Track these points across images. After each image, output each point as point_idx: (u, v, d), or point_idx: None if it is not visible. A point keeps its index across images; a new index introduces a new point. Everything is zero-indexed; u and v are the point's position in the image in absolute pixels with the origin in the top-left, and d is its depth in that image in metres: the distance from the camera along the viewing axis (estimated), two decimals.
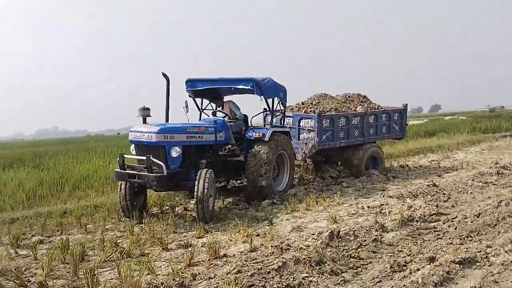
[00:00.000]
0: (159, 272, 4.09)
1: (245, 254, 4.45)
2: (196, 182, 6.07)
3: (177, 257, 4.58)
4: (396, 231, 5.24)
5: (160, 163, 6.17)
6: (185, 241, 5.08)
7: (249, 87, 7.65)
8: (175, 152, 6.36)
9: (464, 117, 39.85)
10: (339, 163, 10.15)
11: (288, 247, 4.58)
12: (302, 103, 10.56)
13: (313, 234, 5.08)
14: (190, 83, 8.06)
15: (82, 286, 3.76)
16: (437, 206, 6.46)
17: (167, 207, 7.35)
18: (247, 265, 4.06)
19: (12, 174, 10.95)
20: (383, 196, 6.95)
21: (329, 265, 4.17)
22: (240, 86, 7.73)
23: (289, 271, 3.98)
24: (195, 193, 5.99)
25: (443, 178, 9.08)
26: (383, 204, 6.40)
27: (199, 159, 6.86)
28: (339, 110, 10.00)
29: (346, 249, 4.61)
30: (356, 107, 10.44)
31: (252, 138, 7.62)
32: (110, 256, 4.60)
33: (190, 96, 8.24)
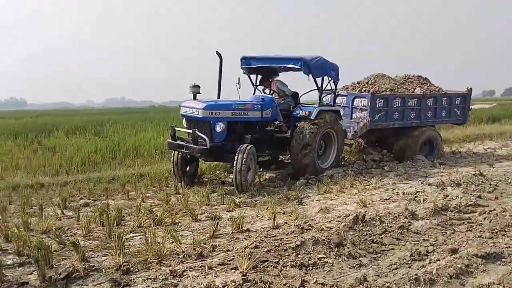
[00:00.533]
0: (183, 241, 4.33)
1: (266, 231, 4.57)
2: (236, 155, 6.57)
3: (204, 228, 4.80)
4: (426, 219, 5.10)
5: (204, 136, 6.69)
6: (215, 214, 5.29)
7: (298, 66, 7.80)
8: (219, 127, 6.85)
9: None
10: (392, 145, 9.97)
11: (310, 227, 4.65)
12: (358, 83, 10.48)
13: (339, 217, 5.09)
14: (245, 60, 8.37)
15: (112, 248, 4.09)
16: (479, 196, 6.17)
17: (211, 176, 7.94)
18: (265, 241, 4.19)
19: (73, 141, 11.85)
20: (422, 183, 6.73)
21: (348, 248, 4.18)
22: (290, 65, 7.98)
23: (306, 251, 4.04)
24: (234, 165, 6.51)
25: (493, 167, 8.60)
26: (419, 191, 6.20)
27: (244, 134, 7.27)
28: (396, 90, 9.79)
29: (369, 233, 4.58)
30: (415, 89, 10.11)
31: (299, 115, 7.91)
32: (144, 223, 4.93)
33: (244, 73, 8.56)
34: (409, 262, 3.91)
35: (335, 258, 3.98)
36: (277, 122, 7.84)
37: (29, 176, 7.76)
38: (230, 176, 7.71)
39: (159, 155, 9.33)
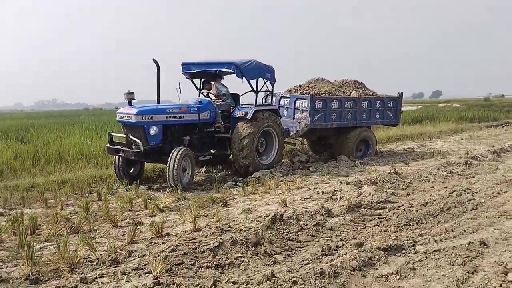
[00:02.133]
0: (100, 248, 4.26)
1: (186, 234, 4.62)
2: (169, 158, 6.91)
3: (123, 235, 4.75)
4: (341, 216, 5.41)
5: (137, 140, 7.10)
6: (136, 220, 5.25)
7: (231, 70, 8.22)
8: (153, 131, 7.18)
9: (458, 105, 39.93)
10: (332, 144, 10.70)
11: (229, 228, 4.76)
12: (300, 86, 11.08)
13: (260, 217, 5.27)
14: (185, 66, 8.77)
15: (23, 258, 3.93)
16: (393, 193, 6.66)
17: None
18: (183, 244, 4.24)
19: None
20: (341, 182, 7.11)
21: (265, 246, 4.35)
22: (224, 69, 8.36)
23: (224, 251, 4.15)
24: (167, 168, 6.91)
25: (409, 166, 9.25)
26: (336, 190, 6.56)
27: (182, 136, 7.66)
28: (333, 93, 10.42)
29: (286, 232, 4.79)
30: (351, 92, 10.76)
31: (237, 116, 8.30)
32: (60, 231, 4.78)
33: (187, 78, 8.98)
34: (320, 257, 4.14)
35: (251, 257, 4.12)
36: (217, 124, 8.18)
37: None
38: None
39: (84, 160, 9.02)
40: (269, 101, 9.56)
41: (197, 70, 8.67)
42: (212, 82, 8.93)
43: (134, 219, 5.28)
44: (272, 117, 8.59)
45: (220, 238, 4.37)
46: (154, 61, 7.58)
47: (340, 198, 6.15)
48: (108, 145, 7.59)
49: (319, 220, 5.15)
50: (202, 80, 9.04)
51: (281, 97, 10.49)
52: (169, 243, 4.28)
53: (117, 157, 7.59)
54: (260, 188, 7.02)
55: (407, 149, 12.46)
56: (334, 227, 5.04)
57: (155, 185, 7.57)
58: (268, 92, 9.55)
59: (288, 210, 5.50)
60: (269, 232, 4.71)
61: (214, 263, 3.89)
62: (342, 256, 4.07)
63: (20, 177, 7.94)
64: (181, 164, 6.94)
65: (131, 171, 7.87)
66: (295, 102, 9.99)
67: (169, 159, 6.90)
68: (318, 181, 7.67)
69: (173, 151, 7.02)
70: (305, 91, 10.52)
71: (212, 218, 5.29)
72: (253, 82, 8.59)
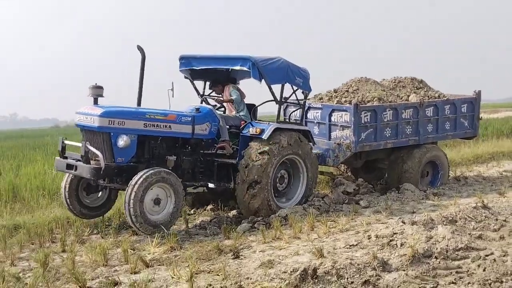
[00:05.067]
0: None
1: None
2: (128, 184, 6.75)
3: None
4: (401, 270, 5.32)
5: (96, 151, 6.88)
6: (112, 278, 5.31)
7: (246, 68, 8.13)
8: (123, 142, 6.95)
9: None
10: (384, 172, 10.69)
11: None
12: (335, 91, 10.85)
13: (284, 272, 5.24)
14: (185, 60, 8.72)
15: None
16: (479, 237, 6.51)
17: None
18: None
19: None
20: (403, 222, 7.01)
21: None
22: (237, 67, 8.27)
23: None
24: (124, 199, 6.78)
25: (505, 197, 9.08)
26: (396, 233, 6.46)
27: (167, 154, 7.46)
28: (385, 99, 10.20)
29: None
30: (409, 96, 10.61)
31: (248, 134, 8.10)
32: None
33: (186, 77, 9.01)
34: None
35: None
36: (220, 143, 8.09)
37: None
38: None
39: (47, 197, 9.25)
40: (297, 117, 9.41)
41: (200, 67, 8.62)
42: (225, 85, 8.85)
43: (109, 277, 5.34)
44: (300, 142, 8.37)
45: None
46: (139, 48, 7.61)
47: (402, 245, 6.05)
48: (58, 157, 7.48)
49: (369, 276, 5.10)
50: (210, 81, 9.01)
51: (309, 107, 10.28)
52: None
53: (67, 176, 7.55)
54: (287, 231, 7.01)
55: (503, 173, 12.22)
56: (391, 286, 4.97)
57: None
58: (298, 105, 9.33)
59: (325, 262, 5.44)
60: None
61: None
62: None
63: None
64: (144, 193, 6.69)
65: (89, 199, 7.80)
66: (330, 115, 9.81)
67: (130, 184, 6.73)
68: (371, 221, 7.62)
69: (137, 174, 6.81)
70: (343, 99, 10.26)
71: (217, 274, 5.31)
72: (277, 89, 8.52)
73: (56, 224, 7.72)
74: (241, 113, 8.71)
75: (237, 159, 7.99)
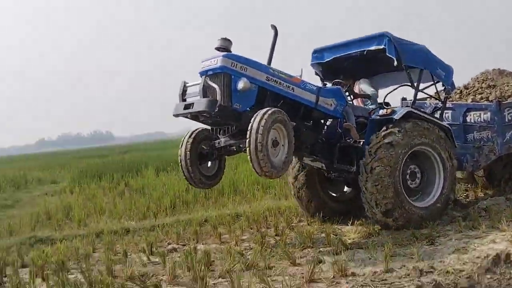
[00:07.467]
0: (276, 286, 5.19)
1: (376, 274, 5.20)
2: (252, 120, 6.19)
3: (302, 273, 5.59)
4: None
5: (214, 85, 6.47)
6: (317, 257, 6.06)
7: (383, 46, 7.57)
8: (242, 84, 6.49)
9: None
10: None
11: (432, 269, 5.15)
12: (466, 87, 10.03)
13: (478, 258, 5.45)
14: (317, 53, 8.45)
15: None
16: None
17: None
18: (370, 285, 4.85)
19: (164, 179, 13.69)
20: None
21: None
22: (373, 47, 7.73)
23: None
24: (248, 134, 6.15)
25: None
26: None
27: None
28: None
29: None
30: None
31: (377, 118, 7.58)
32: (234, 267, 5.93)
33: (316, 74, 8.69)
34: None
35: None
36: (345, 124, 7.59)
37: (113, 222, 9.44)
38: None
39: (261, 191, 10.45)
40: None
41: (333, 57, 8.19)
42: (355, 81, 8.53)
43: (315, 256, 6.10)
44: (435, 133, 7.49)
45: (418, 281, 4.83)
46: (273, 26, 7.29)
47: None
48: (178, 100, 6.97)
49: None
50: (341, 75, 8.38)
51: (435, 108, 9.23)
52: (352, 283, 4.93)
53: (186, 137, 7.06)
54: (485, 222, 7.06)
55: None
56: None
57: (343, 219, 8.24)
58: (439, 103, 8.62)
59: None
60: (489, 276, 4.92)
61: None
62: None
63: (193, 210, 9.75)
64: (267, 133, 6.10)
65: (203, 168, 7.22)
66: (465, 116, 8.90)
67: (251, 123, 6.14)
68: None
69: (259, 111, 6.27)
70: (478, 95, 9.35)
71: (412, 257, 5.72)
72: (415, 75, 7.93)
73: (269, 212, 8.80)
74: (369, 103, 8.37)
75: (363, 143, 7.39)
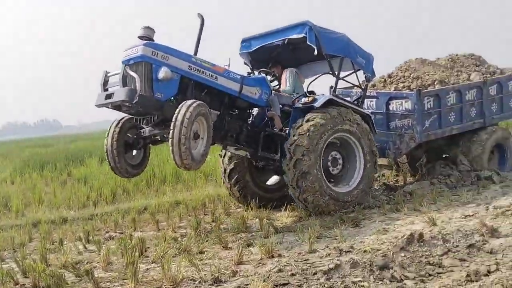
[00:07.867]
0: (206, 268, 5.41)
1: (300, 255, 5.51)
2: (177, 111, 6.20)
3: (232, 256, 5.83)
4: (510, 237, 5.60)
5: (134, 74, 6.42)
6: (248, 240, 6.33)
7: (303, 34, 7.74)
8: (163, 73, 6.44)
9: None
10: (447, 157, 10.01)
11: (351, 249, 5.49)
12: (389, 76, 10.39)
13: (395, 238, 5.84)
14: (245, 43, 8.63)
15: (128, 278, 5.27)
16: None
17: None
18: (292, 265, 5.13)
19: (106, 168, 13.65)
20: None
21: (394, 270, 4.93)
22: (294, 35, 7.91)
23: (340, 274, 4.89)
24: (171, 127, 6.18)
25: None
26: None
27: (210, 108, 6.79)
28: (447, 81, 9.69)
29: (426, 255, 5.25)
30: (469, 75, 10.09)
31: (300, 106, 7.78)
32: (167, 252, 6.11)
33: (245, 63, 8.90)
34: (463, 284, 4.54)
35: (374, 281, 4.75)
36: (269, 113, 7.77)
37: (52, 211, 9.47)
38: None
39: (203, 178, 10.65)
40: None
41: (259, 45, 8.37)
42: (284, 67, 8.59)
43: (246, 240, 6.36)
44: (355, 120, 7.72)
45: (338, 260, 5.11)
46: (199, 15, 7.35)
47: None
48: (100, 90, 6.86)
49: (476, 241, 5.43)
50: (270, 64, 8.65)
51: (360, 96, 9.26)
52: (276, 263, 5.21)
53: (112, 133, 7.00)
54: (408, 205, 7.48)
55: None
56: (496, 250, 5.21)
57: (278, 205, 8.46)
58: (359, 91, 8.87)
59: (434, 229, 5.94)
60: (403, 254, 5.25)
61: (326, 285, 4.66)
62: (493, 284, 4.37)
63: (133, 199, 9.86)
64: (190, 126, 6.15)
65: (128, 157, 7.23)
66: (388, 104, 9.26)
67: (175, 114, 6.16)
68: (498, 195, 7.79)
69: (182, 103, 6.27)
70: (400, 84, 9.81)
71: (335, 239, 6.06)
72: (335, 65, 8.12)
73: (208, 200, 9.04)
74: (295, 95, 8.35)
75: (287, 132, 7.55)
